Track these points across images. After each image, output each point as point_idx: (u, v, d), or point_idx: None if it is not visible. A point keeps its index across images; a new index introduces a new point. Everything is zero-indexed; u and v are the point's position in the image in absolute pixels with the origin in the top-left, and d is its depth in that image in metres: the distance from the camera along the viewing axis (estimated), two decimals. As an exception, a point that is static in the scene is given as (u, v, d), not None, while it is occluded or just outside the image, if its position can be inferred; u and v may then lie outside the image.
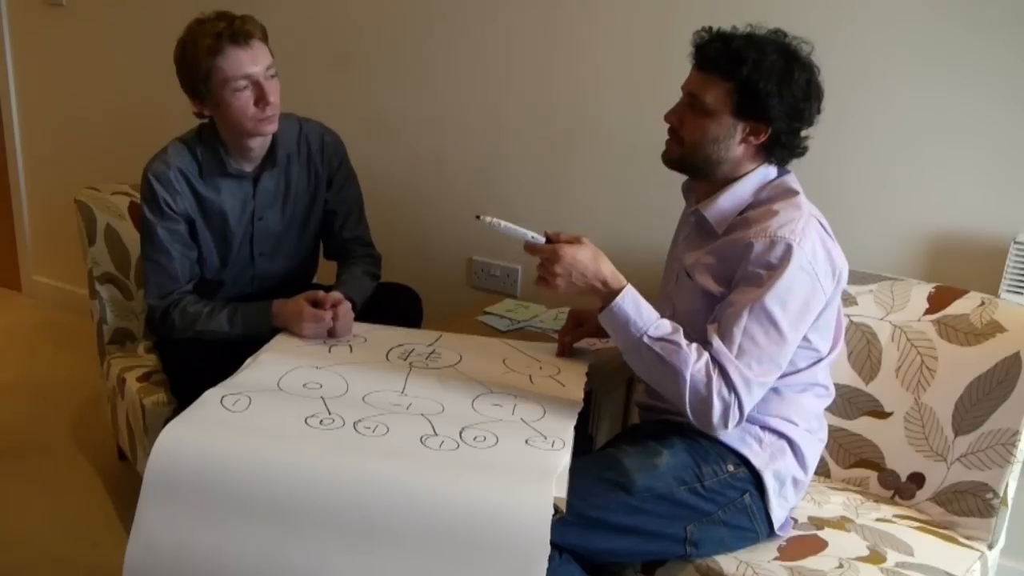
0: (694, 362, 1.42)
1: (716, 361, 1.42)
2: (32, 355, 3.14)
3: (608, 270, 1.49)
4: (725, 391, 1.41)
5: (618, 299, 1.46)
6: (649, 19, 2.15)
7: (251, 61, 1.78)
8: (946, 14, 1.83)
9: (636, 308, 1.46)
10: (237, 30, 1.77)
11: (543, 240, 1.51)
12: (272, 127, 1.87)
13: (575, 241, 1.49)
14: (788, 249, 1.42)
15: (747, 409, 1.43)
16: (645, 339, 1.45)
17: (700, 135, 1.50)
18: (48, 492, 2.32)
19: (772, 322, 1.42)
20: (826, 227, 1.52)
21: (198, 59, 1.77)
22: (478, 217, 1.52)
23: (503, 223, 1.50)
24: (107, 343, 2.25)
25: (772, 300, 1.42)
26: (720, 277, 1.51)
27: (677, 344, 1.43)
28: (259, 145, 1.92)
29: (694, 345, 1.44)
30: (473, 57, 2.42)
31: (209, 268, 2.01)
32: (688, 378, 1.41)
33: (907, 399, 1.74)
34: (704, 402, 1.42)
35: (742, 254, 1.46)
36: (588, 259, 1.48)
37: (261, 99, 1.81)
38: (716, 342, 1.43)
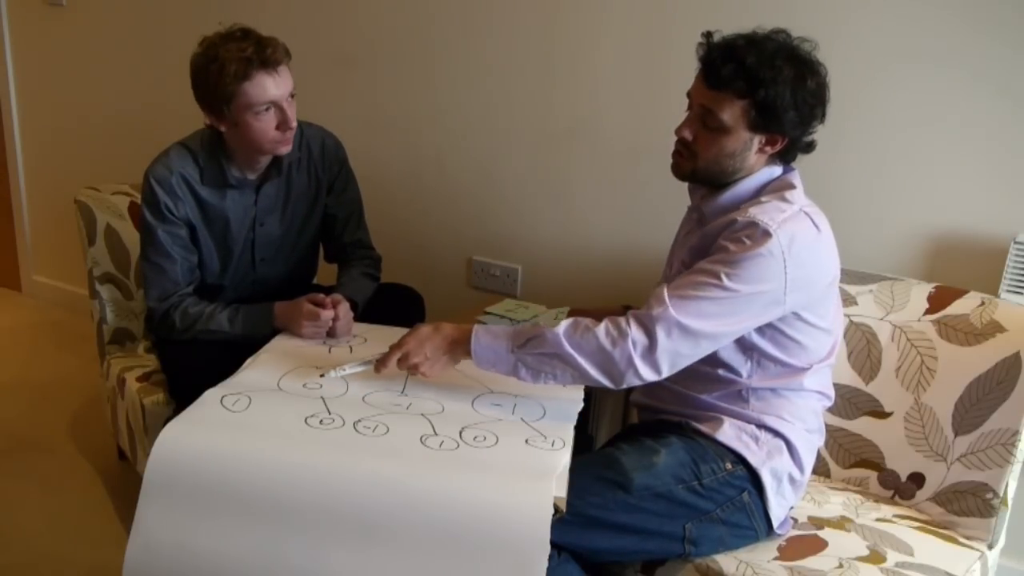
0: (567, 335, 1.42)
1: (645, 310, 1.42)
2: (32, 355, 3.14)
3: (450, 327, 1.53)
4: (613, 332, 1.41)
5: (473, 340, 1.48)
6: (650, 19, 2.15)
7: (276, 87, 1.78)
8: (946, 12, 1.83)
9: (491, 335, 1.49)
10: (267, 57, 1.75)
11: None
12: (288, 148, 1.87)
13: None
14: (764, 234, 1.41)
15: (661, 345, 1.40)
16: (515, 352, 1.46)
17: (716, 151, 1.50)
18: (48, 492, 2.32)
19: (717, 278, 1.41)
20: (818, 223, 1.49)
21: (224, 82, 1.75)
22: (322, 375, 1.58)
23: (347, 367, 1.58)
24: (107, 343, 2.25)
25: (728, 263, 1.41)
26: (698, 255, 1.51)
27: (539, 335, 1.45)
28: (267, 158, 1.92)
29: (565, 321, 1.45)
30: (474, 58, 2.42)
31: (210, 273, 2.01)
32: (570, 349, 1.42)
33: (907, 399, 1.74)
34: (600, 353, 1.41)
35: (720, 231, 1.47)
36: (427, 331, 1.53)
37: (283, 123, 1.81)
38: (657, 288, 1.44)
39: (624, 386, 1.45)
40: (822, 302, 1.52)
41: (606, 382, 1.44)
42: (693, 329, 1.41)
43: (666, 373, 1.44)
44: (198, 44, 1.81)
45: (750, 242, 1.42)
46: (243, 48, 1.74)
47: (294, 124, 1.83)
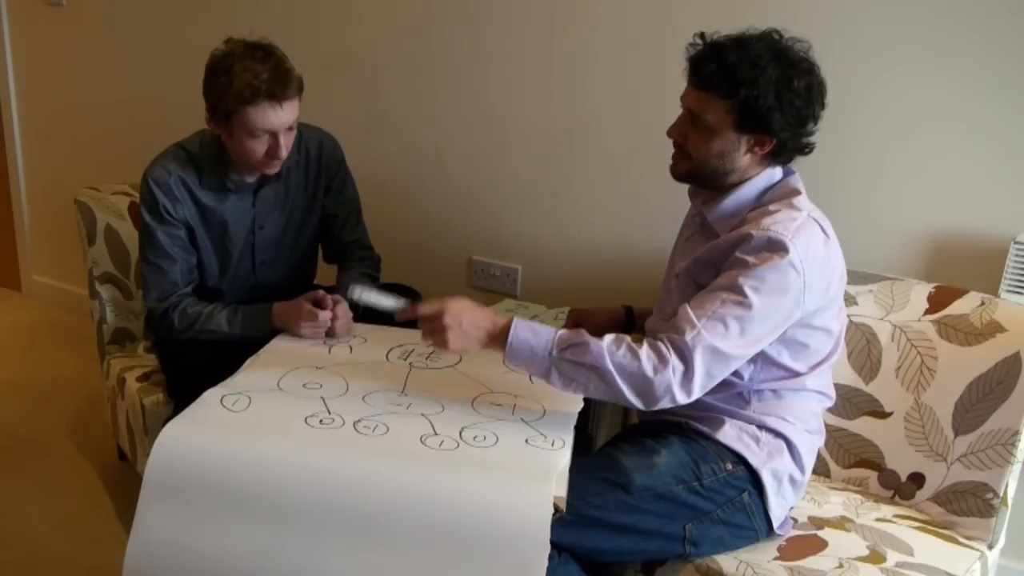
0: (610, 351, 1.39)
1: (672, 331, 1.41)
2: (32, 355, 3.14)
3: (490, 310, 1.47)
4: (655, 359, 1.38)
5: (512, 333, 1.42)
6: (650, 18, 2.15)
7: (277, 119, 1.77)
8: (946, 12, 1.83)
9: (532, 331, 1.43)
10: (276, 92, 1.74)
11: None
12: (275, 170, 1.88)
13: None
14: (781, 245, 1.41)
15: (697, 372, 1.38)
16: (554, 354, 1.41)
17: (705, 151, 1.50)
18: (48, 492, 2.32)
19: (743, 295, 1.40)
20: (825, 228, 1.51)
21: (229, 97, 1.74)
22: (349, 296, 1.47)
23: (373, 294, 1.46)
24: (107, 343, 2.25)
25: (750, 278, 1.40)
26: (711, 270, 1.51)
27: (583, 343, 1.40)
28: None
29: (608, 336, 1.41)
30: (473, 57, 2.42)
31: (209, 276, 2.01)
32: (611, 367, 1.38)
33: (907, 399, 1.74)
34: (641, 377, 1.38)
35: (735, 245, 1.46)
36: (469, 304, 1.45)
37: (272, 151, 1.81)
38: (682, 310, 1.42)
39: (653, 408, 1.42)
40: (829, 305, 1.53)
41: (638, 404, 1.41)
42: (726, 352, 1.40)
43: (696, 397, 1.42)
44: (223, 41, 1.79)
45: (769, 254, 1.41)
46: (258, 73, 1.73)
47: (284, 154, 1.82)
